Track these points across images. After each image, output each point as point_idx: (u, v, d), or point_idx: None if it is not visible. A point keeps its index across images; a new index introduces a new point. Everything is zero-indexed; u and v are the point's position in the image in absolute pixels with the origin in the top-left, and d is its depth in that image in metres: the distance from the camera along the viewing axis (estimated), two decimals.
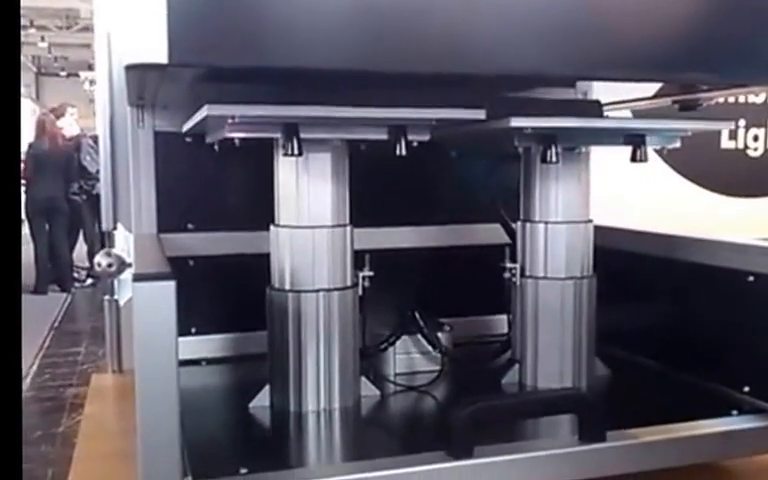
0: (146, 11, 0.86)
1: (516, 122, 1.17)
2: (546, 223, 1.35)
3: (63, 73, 19.20)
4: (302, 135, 1.11)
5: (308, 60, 0.94)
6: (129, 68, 0.92)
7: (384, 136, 1.15)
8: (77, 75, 17.02)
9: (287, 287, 1.24)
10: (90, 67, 15.38)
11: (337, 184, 1.24)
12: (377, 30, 0.97)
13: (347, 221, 1.26)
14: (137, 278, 0.88)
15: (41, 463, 3.67)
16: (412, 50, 0.99)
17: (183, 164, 1.39)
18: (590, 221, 1.36)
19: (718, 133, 3.14)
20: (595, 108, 1.41)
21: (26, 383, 4.88)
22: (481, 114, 1.16)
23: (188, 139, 1.49)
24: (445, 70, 1.03)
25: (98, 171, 7.15)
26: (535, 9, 1.04)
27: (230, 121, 1.09)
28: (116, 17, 1.33)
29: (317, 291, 1.23)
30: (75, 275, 8.30)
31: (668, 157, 2.99)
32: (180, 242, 1.51)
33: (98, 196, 6.62)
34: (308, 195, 1.22)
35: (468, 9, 1.01)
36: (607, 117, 1.42)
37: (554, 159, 1.23)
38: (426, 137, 1.17)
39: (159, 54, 0.86)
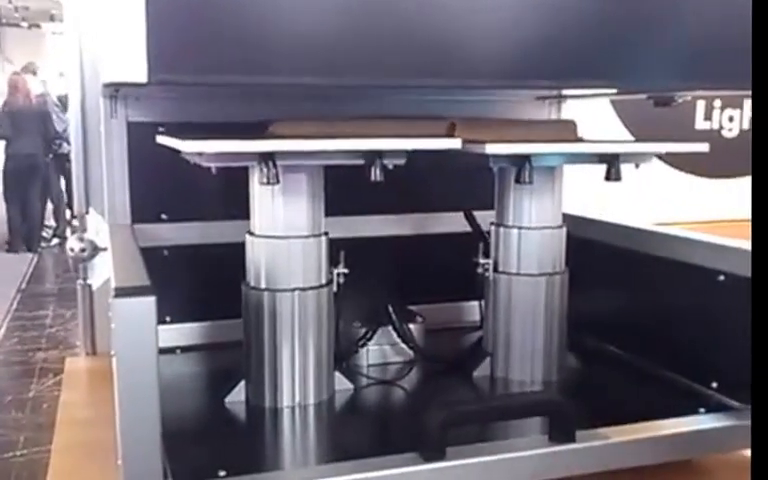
0: (124, 29, 0.85)
1: (491, 149, 1.20)
2: (519, 228, 1.37)
3: (24, 24, 18.64)
4: (278, 162, 1.11)
5: (287, 76, 0.94)
6: (107, 85, 0.92)
7: (360, 161, 1.15)
8: (39, 26, 16.59)
9: (262, 286, 1.25)
10: (52, 18, 15.00)
11: (312, 198, 1.25)
12: (359, 43, 0.97)
13: (322, 230, 1.27)
14: (118, 293, 0.88)
15: (13, 429, 3.67)
16: (396, 62, 0.99)
17: (157, 155, 1.37)
18: (562, 226, 1.38)
19: (692, 114, 3.14)
20: (571, 129, 1.44)
21: None
22: (457, 143, 1.17)
23: (162, 129, 1.48)
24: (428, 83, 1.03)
25: (65, 130, 7.05)
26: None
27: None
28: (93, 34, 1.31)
29: (292, 290, 1.23)
30: (44, 235, 8.23)
31: (640, 138, 2.98)
32: (155, 232, 1.51)
33: (64, 155, 6.52)
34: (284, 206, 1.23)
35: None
36: (582, 140, 1.43)
37: (527, 180, 1.26)
38: (402, 161, 1.17)
39: (138, 73, 0.85)
